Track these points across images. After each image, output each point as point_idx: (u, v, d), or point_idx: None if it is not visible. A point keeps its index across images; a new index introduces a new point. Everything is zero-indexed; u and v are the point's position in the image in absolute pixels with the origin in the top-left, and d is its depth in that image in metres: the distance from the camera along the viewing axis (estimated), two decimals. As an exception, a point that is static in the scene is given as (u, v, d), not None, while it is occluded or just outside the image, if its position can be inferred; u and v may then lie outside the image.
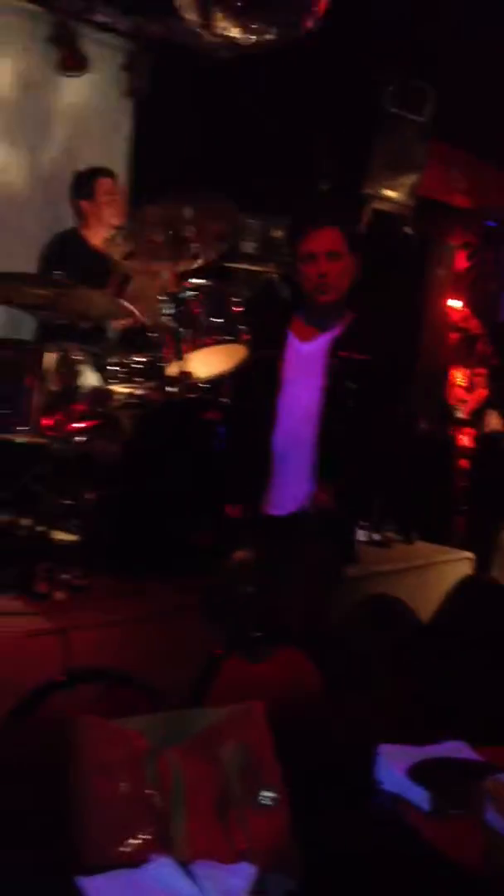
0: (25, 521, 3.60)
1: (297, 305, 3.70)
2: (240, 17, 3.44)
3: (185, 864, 1.24)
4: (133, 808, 1.33)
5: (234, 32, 3.50)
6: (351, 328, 3.53)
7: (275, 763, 1.41)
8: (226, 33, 3.49)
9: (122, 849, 1.26)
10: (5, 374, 3.87)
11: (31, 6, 5.28)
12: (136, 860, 1.24)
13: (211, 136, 5.94)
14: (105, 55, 5.66)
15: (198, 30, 3.50)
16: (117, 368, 4.18)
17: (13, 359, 3.88)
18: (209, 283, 3.89)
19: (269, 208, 5.84)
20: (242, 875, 1.23)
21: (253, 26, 3.51)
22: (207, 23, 3.47)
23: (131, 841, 1.28)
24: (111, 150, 5.81)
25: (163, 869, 1.21)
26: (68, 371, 4.03)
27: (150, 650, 2.79)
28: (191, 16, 3.51)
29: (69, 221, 5.07)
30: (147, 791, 1.36)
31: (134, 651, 2.81)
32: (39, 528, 3.17)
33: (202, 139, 5.88)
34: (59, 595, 3.03)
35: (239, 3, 3.27)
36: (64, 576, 3.09)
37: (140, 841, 1.27)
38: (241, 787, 1.38)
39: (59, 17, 5.33)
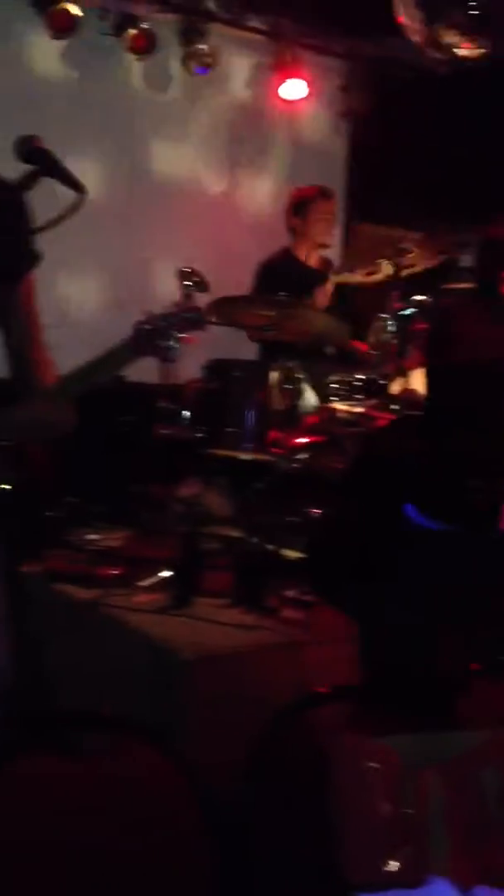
0: (249, 537, 3.71)
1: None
2: (465, 33, 3.41)
3: (463, 889, 1.23)
4: (392, 826, 1.34)
5: (460, 48, 3.48)
6: None
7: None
8: (452, 49, 3.46)
9: (387, 868, 1.27)
10: (232, 393, 3.99)
11: (253, 35, 5.45)
12: (407, 881, 1.24)
13: (427, 152, 5.91)
14: (323, 77, 5.75)
15: (422, 47, 3.49)
16: (338, 386, 4.23)
17: (240, 378, 4.00)
18: (430, 299, 3.87)
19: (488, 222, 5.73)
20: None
21: (478, 40, 3.47)
22: (432, 39, 3.46)
23: (393, 861, 1.29)
24: (327, 170, 5.89)
25: (444, 892, 1.21)
26: (291, 390, 4.13)
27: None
28: (415, 35, 3.51)
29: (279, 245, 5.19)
30: (405, 810, 1.37)
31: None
32: (269, 545, 3.25)
33: (419, 155, 5.86)
34: (289, 610, 3.09)
35: (466, 19, 3.24)
36: (293, 592, 3.15)
37: (403, 860, 1.28)
38: (501, 813, 1.36)
39: (281, 44, 5.47)
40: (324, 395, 4.20)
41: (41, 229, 1.86)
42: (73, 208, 1.86)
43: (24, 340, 2.07)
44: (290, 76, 5.55)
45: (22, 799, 1.33)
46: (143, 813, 1.34)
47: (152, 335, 1.94)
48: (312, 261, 5.02)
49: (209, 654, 2.68)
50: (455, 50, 3.41)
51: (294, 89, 5.60)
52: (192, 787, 1.35)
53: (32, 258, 2.03)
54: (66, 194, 1.93)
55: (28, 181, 1.88)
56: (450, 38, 3.39)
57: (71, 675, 2.92)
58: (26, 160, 1.90)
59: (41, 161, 1.90)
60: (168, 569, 3.33)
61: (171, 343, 1.94)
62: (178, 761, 1.38)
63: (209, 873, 1.28)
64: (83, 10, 4.78)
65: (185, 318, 1.97)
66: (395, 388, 3.69)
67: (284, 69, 5.52)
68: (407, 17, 3.38)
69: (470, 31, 3.31)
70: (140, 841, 1.31)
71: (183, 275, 4.19)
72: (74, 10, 4.71)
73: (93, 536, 3.97)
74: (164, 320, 1.95)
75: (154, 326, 1.94)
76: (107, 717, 1.62)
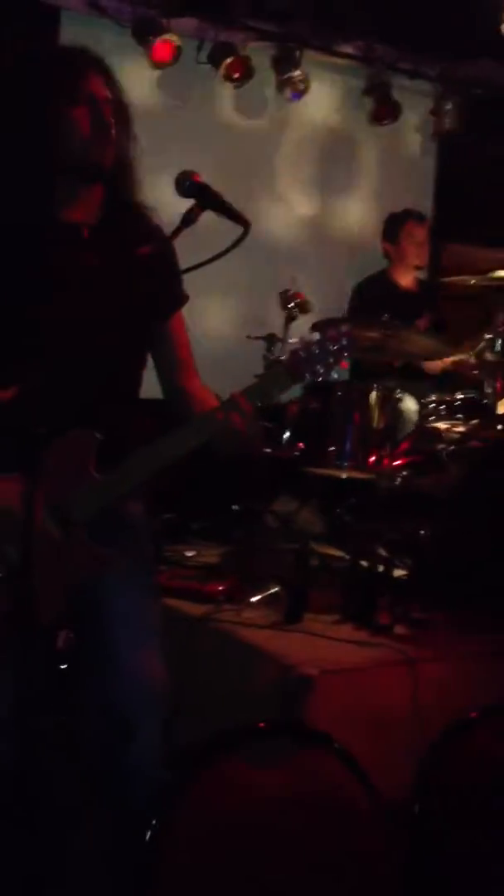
0: (349, 554, 3.73)
1: None
2: None
3: None
4: None
5: None
6: None
7: None
8: None
9: None
10: (332, 413, 4.03)
11: (345, 61, 5.52)
12: None
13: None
14: (413, 101, 5.80)
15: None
16: (437, 406, 4.25)
17: (340, 398, 4.03)
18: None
19: None
20: None
21: None
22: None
23: None
24: (417, 192, 5.93)
25: None
26: (391, 409, 4.15)
27: (499, 685, 2.79)
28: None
29: (377, 266, 5.22)
30: None
31: (481, 685, 2.81)
32: (378, 562, 3.26)
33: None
34: (401, 627, 3.10)
35: None
36: (404, 608, 3.16)
37: None
38: None
39: (373, 70, 5.53)
40: (424, 415, 4.22)
41: (207, 262, 1.89)
42: (239, 241, 1.89)
43: (179, 370, 2.22)
44: (383, 102, 5.60)
45: (216, 806, 1.36)
46: (329, 822, 1.37)
47: (308, 361, 1.95)
48: (407, 282, 5.06)
49: (331, 669, 2.69)
50: None
51: (387, 114, 5.65)
52: (371, 798, 1.37)
53: (181, 298, 2.21)
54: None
55: (190, 216, 1.93)
56: None
57: (187, 690, 2.96)
58: (187, 195, 1.96)
59: (202, 195, 1.95)
60: (278, 584, 3.35)
61: (328, 368, 1.95)
62: (359, 772, 1.41)
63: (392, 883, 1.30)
64: (181, 40, 4.91)
65: (340, 343, 1.96)
66: (502, 408, 3.69)
67: (377, 96, 5.58)
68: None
69: None
70: (325, 850, 1.34)
71: (285, 297, 4.30)
72: (175, 40, 4.83)
73: (190, 553, 4.03)
74: (319, 345, 1.95)
75: (308, 352, 1.95)
76: (294, 726, 1.66)
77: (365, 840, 1.39)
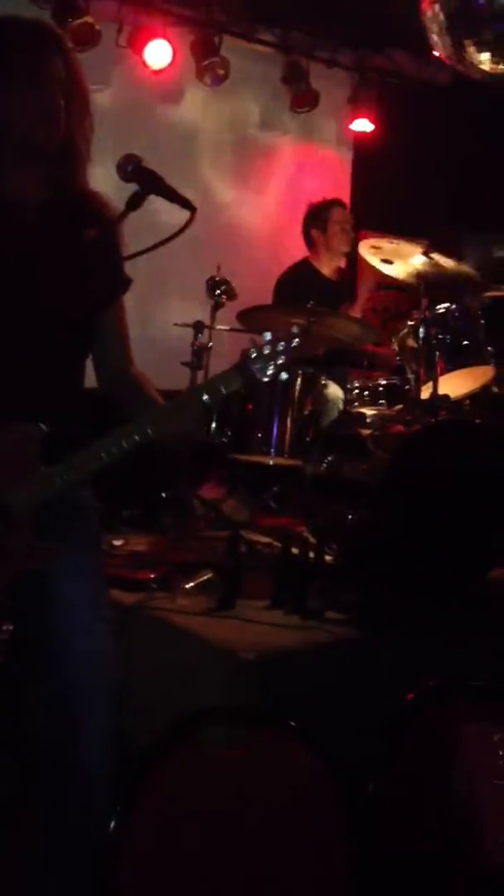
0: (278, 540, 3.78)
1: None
2: (492, 49, 3.51)
3: None
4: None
5: (485, 64, 3.58)
6: None
7: None
8: (477, 66, 3.57)
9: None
10: (258, 399, 4.07)
11: (264, 48, 5.55)
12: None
13: (431, 161, 6.03)
14: (331, 90, 5.86)
15: (452, 65, 3.60)
16: (361, 391, 4.33)
17: (265, 385, 4.06)
18: (457, 306, 3.96)
19: (492, 228, 5.86)
20: None
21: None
22: (459, 57, 3.56)
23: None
24: (335, 180, 6.00)
25: None
26: (316, 395, 4.22)
27: (431, 663, 2.87)
28: (442, 50, 3.61)
29: (294, 254, 5.27)
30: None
31: (414, 664, 2.89)
32: (310, 549, 3.31)
33: (423, 165, 5.98)
34: (331, 611, 3.16)
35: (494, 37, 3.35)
36: (333, 593, 3.22)
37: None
38: None
39: (291, 58, 5.56)
40: (347, 400, 4.30)
41: (154, 248, 1.88)
42: (185, 226, 1.89)
43: (121, 357, 2.19)
44: (302, 90, 5.65)
45: (174, 796, 1.38)
46: (288, 802, 1.40)
47: (258, 360, 1.94)
48: (329, 271, 5.12)
49: (268, 653, 2.74)
50: (483, 67, 3.50)
51: (306, 102, 5.70)
52: (331, 777, 1.41)
53: (125, 283, 2.19)
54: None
55: (134, 201, 1.92)
56: (477, 56, 3.49)
57: (125, 678, 2.97)
58: (129, 179, 1.95)
59: (146, 180, 1.94)
60: (210, 571, 3.38)
61: (279, 369, 1.94)
62: (319, 752, 1.45)
63: (345, 862, 1.34)
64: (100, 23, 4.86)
65: (290, 343, 1.95)
66: (425, 393, 3.78)
67: (296, 83, 5.62)
68: (435, 35, 3.47)
69: (499, 49, 3.41)
70: (283, 831, 1.38)
71: (212, 284, 4.31)
72: (94, 22, 4.78)
73: (119, 542, 4.03)
74: (271, 346, 1.94)
75: (259, 352, 1.94)
76: (248, 711, 1.69)
77: (323, 816, 1.43)
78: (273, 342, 1.94)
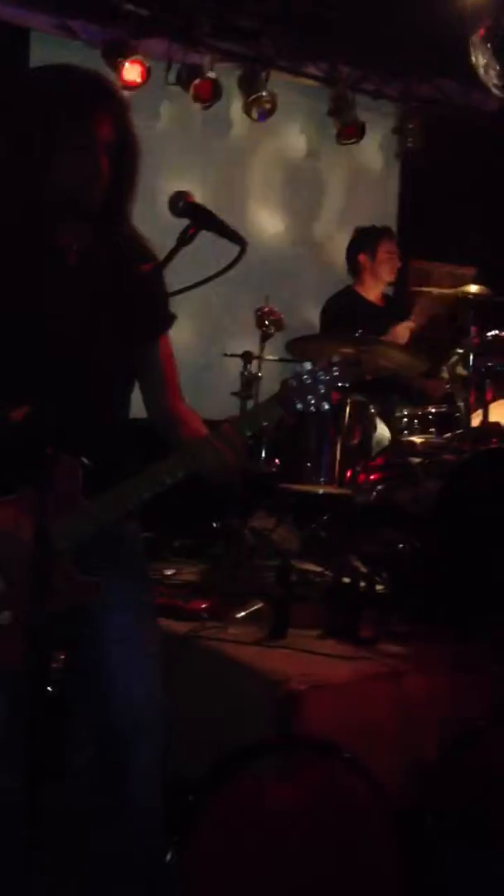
0: (327, 570, 3.77)
1: None
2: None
3: None
4: None
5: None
6: None
7: None
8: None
9: None
10: (307, 428, 4.08)
11: (311, 82, 5.61)
12: None
13: (478, 188, 6.02)
14: (377, 120, 5.90)
15: (495, 89, 3.61)
16: (411, 419, 4.31)
17: (314, 414, 4.07)
18: (505, 333, 3.94)
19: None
20: None
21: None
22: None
23: None
24: (381, 210, 6.02)
25: None
26: (365, 424, 4.21)
27: (483, 698, 2.84)
28: (490, 77, 3.63)
29: (342, 283, 5.29)
30: None
31: (465, 695, 2.86)
32: (362, 578, 3.30)
33: (470, 192, 5.98)
34: (384, 641, 3.14)
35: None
36: (385, 622, 3.20)
37: None
38: None
39: (337, 91, 5.62)
40: (396, 429, 4.28)
41: (202, 283, 1.88)
42: (235, 260, 1.88)
43: (164, 393, 2.22)
44: (348, 122, 5.70)
45: (229, 827, 1.37)
46: (341, 833, 1.40)
47: (299, 391, 1.94)
48: (374, 297, 5.13)
49: (319, 684, 2.73)
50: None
51: (352, 133, 5.75)
52: (383, 808, 1.40)
53: (168, 320, 2.20)
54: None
55: (186, 237, 1.93)
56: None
57: (175, 708, 2.97)
58: (181, 215, 1.96)
59: (197, 216, 1.95)
60: (260, 601, 3.38)
61: (320, 400, 1.93)
62: (372, 783, 1.44)
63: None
64: (150, 63, 4.95)
65: (331, 373, 1.94)
66: (475, 421, 3.76)
67: (342, 116, 5.67)
68: (481, 60, 3.48)
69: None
70: (335, 861, 1.37)
71: (260, 315, 4.35)
72: (144, 62, 4.87)
73: (170, 571, 4.04)
74: (311, 376, 1.94)
75: (300, 383, 1.94)
76: (301, 742, 1.68)
77: (375, 845, 1.42)
78: (313, 373, 1.93)
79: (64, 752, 2.35)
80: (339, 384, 1.93)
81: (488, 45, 3.55)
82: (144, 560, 2.27)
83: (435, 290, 4.19)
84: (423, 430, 4.24)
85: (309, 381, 1.93)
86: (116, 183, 2.06)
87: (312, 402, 1.92)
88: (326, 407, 1.93)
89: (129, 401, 2.25)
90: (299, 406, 1.93)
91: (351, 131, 5.73)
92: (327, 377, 1.93)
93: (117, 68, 4.83)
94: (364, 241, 5.12)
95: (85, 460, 1.97)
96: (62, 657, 2.24)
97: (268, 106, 5.42)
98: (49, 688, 2.20)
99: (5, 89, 2.15)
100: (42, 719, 1.75)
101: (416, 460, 3.91)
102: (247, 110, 5.42)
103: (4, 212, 2.04)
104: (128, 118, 2.07)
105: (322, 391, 1.93)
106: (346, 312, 4.95)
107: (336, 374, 1.93)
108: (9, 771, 1.88)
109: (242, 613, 3.36)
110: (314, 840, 1.38)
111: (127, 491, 1.98)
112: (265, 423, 1.99)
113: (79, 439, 1.97)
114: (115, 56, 4.84)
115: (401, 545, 3.55)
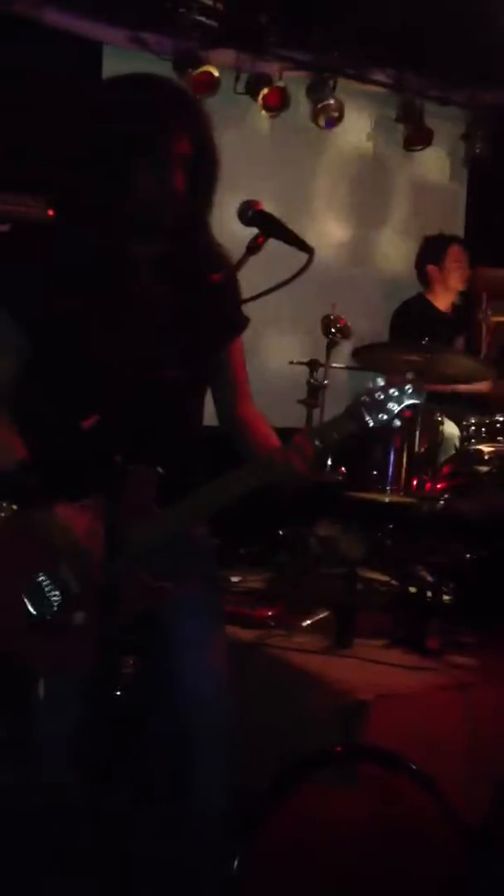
0: (394, 579, 3.75)
1: None
2: None
3: None
4: None
5: None
6: None
7: None
8: None
9: None
10: (373, 437, 4.07)
11: (379, 89, 5.59)
12: None
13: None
14: (445, 127, 5.85)
15: None
16: (478, 428, 4.27)
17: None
18: None
19: None
20: None
21: None
22: None
23: None
24: (449, 217, 5.98)
25: None
26: (432, 432, 4.18)
27: None
28: None
29: (409, 291, 5.26)
30: None
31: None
32: (428, 588, 3.28)
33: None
34: (450, 652, 3.11)
35: None
36: (452, 633, 3.18)
37: None
38: None
39: (406, 97, 5.59)
40: (464, 438, 4.24)
41: (271, 290, 1.90)
42: (303, 268, 1.90)
43: (234, 397, 2.24)
44: (416, 129, 5.67)
45: (294, 834, 1.38)
46: (406, 844, 1.39)
47: (372, 407, 1.93)
48: (444, 306, 5.10)
49: (386, 694, 2.72)
50: None
51: (420, 140, 5.72)
52: (450, 820, 1.39)
53: (242, 323, 2.23)
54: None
55: (254, 245, 1.95)
56: None
57: (241, 714, 2.98)
58: (249, 224, 1.98)
59: (265, 224, 1.97)
60: (326, 609, 3.38)
61: (392, 418, 1.93)
62: (437, 795, 1.43)
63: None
64: (219, 71, 4.99)
65: (403, 391, 1.93)
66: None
67: (410, 122, 5.65)
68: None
69: None
70: (401, 872, 1.36)
71: (327, 323, 4.35)
72: (214, 72, 4.91)
73: (236, 578, 4.06)
74: (384, 393, 1.93)
75: (372, 399, 1.93)
76: (367, 751, 1.68)
77: (440, 860, 1.41)
78: (386, 388, 1.92)
79: (128, 759, 2.37)
80: (412, 402, 1.92)
81: None
82: (215, 566, 2.29)
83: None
84: (490, 439, 4.19)
85: (381, 398, 1.92)
86: (193, 194, 2.07)
87: (384, 418, 1.91)
88: (398, 424, 1.92)
89: (202, 409, 2.27)
90: (371, 422, 1.93)
91: (418, 138, 5.70)
92: (401, 395, 1.92)
93: (188, 79, 4.88)
94: (432, 250, 5.10)
95: (159, 469, 1.99)
96: (132, 662, 2.27)
97: (335, 114, 5.42)
98: (118, 692, 2.22)
99: (82, 102, 2.20)
100: (110, 722, 1.78)
101: (484, 469, 3.87)
102: (314, 118, 5.43)
103: (81, 224, 2.06)
104: (206, 128, 2.09)
105: (395, 410, 1.92)
106: (415, 320, 4.94)
107: (409, 391, 1.92)
108: (73, 771, 1.91)
109: (308, 622, 3.37)
110: (378, 853, 1.37)
111: (201, 501, 2.00)
112: (336, 437, 1.98)
113: (153, 449, 1.99)
114: (186, 67, 4.88)
115: (467, 555, 3.52)
